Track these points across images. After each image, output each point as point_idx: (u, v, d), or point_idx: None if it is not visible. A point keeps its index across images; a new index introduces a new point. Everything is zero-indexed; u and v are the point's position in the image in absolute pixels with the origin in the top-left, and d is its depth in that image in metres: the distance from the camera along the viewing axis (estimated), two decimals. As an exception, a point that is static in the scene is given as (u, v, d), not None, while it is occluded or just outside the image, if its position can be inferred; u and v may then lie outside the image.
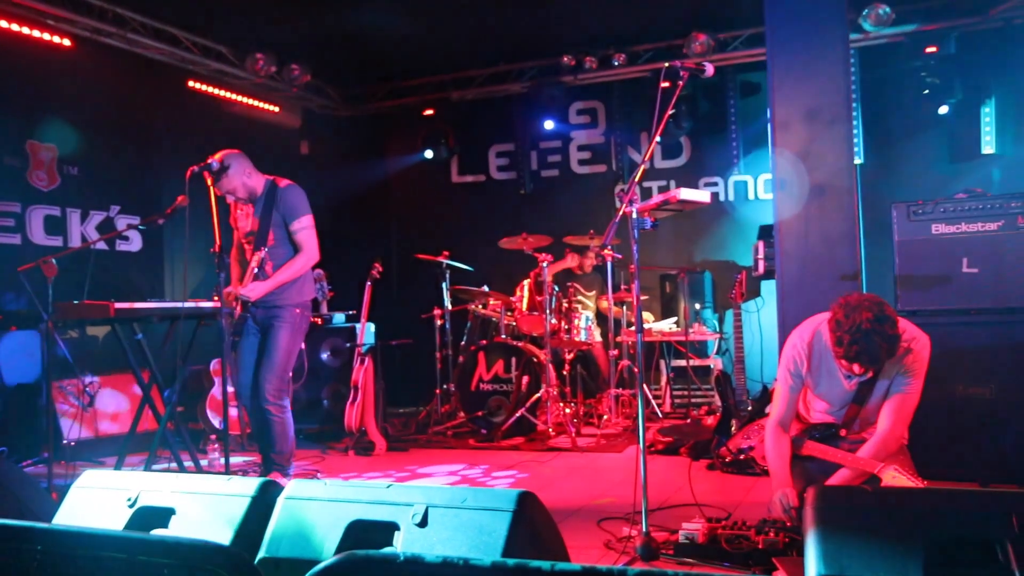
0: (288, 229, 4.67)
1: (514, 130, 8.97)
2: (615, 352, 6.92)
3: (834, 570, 2.05)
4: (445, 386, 7.05)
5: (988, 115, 7.16)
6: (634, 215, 3.47)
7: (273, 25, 7.40)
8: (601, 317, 7.62)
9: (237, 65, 7.79)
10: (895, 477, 3.10)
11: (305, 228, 4.68)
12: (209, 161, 4.51)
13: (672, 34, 7.78)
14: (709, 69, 3.59)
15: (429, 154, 9.14)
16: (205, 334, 5.50)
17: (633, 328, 3.73)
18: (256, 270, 4.52)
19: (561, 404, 6.48)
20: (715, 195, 8.27)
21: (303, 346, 4.88)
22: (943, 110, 7.27)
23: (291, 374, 4.83)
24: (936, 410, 3.53)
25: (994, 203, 4.49)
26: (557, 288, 6.70)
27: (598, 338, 7.31)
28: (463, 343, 7.48)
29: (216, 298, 4.60)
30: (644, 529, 3.33)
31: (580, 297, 7.56)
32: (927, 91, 7.13)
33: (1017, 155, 7.13)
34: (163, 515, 2.52)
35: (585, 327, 6.76)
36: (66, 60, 6.57)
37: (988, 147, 7.18)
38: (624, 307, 7.44)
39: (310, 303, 4.84)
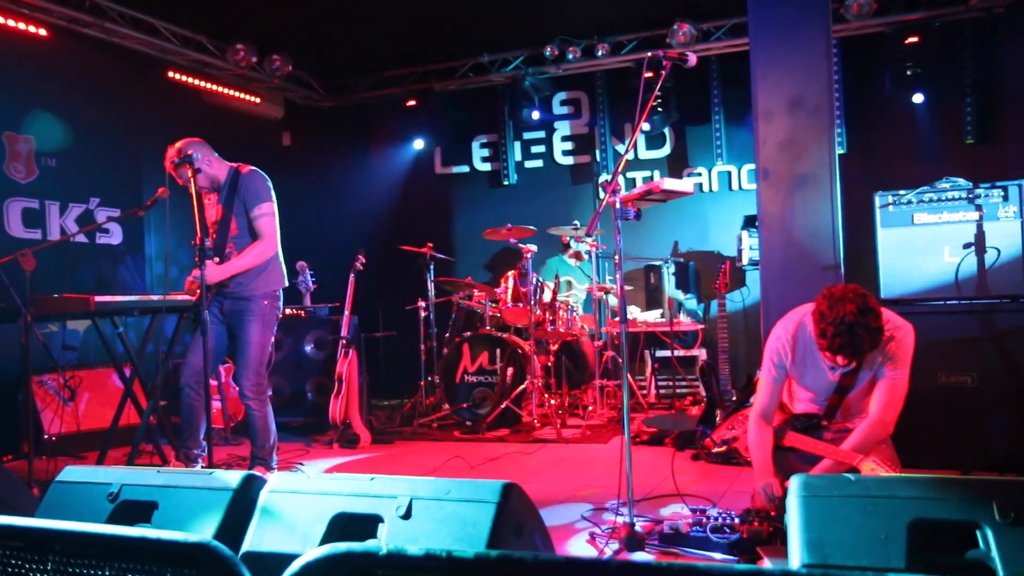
0: (249, 216, 4.58)
1: (497, 121, 8.95)
2: (600, 343, 6.93)
3: (818, 558, 2.05)
4: (430, 378, 7.03)
5: (970, 105, 7.21)
6: (617, 205, 3.47)
7: (254, 15, 7.33)
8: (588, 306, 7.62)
9: (217, 55, 7.72)
10: (874, 469, 3.12)
11: (265, 215, 4.57)
12: (169, 149, 4.47)
13: (655, 24, 7.77)
14: (692, 59, 3.59)
15: (419, 144, 9.13)
16: (187, 327, 5.47)
17: (618, 319, 3.74)
18: (218, 260, 4.48)
19: (546, 395, 6.48)
20: (698, 185, 8.28)
21: (273, 338, 4.80)
22: (917, 99, 7.32)
23: (267, 368, 4.76)
24: (918, 398, 3.55)
25: (975, 193, 4.53)
26: (541, 279, 6.69)
27: (586, 329, 7.31)
28: (447, 335, 7.47)
29: (186, 291, 4.56)
30: (629, 519, 3.34)
31: (575, 290, 7.55)
32: (908, 73, 7.15)
33: (998, 145, 7.18)
34: (145, 509, 2.50)
35: (569, 318, 6.75)
36: (43, 50, 6.49)
37: (970, 137, 7.23)
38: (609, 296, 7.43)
39: (279, 293, 4.73)
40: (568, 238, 7.66)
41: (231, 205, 4.57)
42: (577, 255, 7.76)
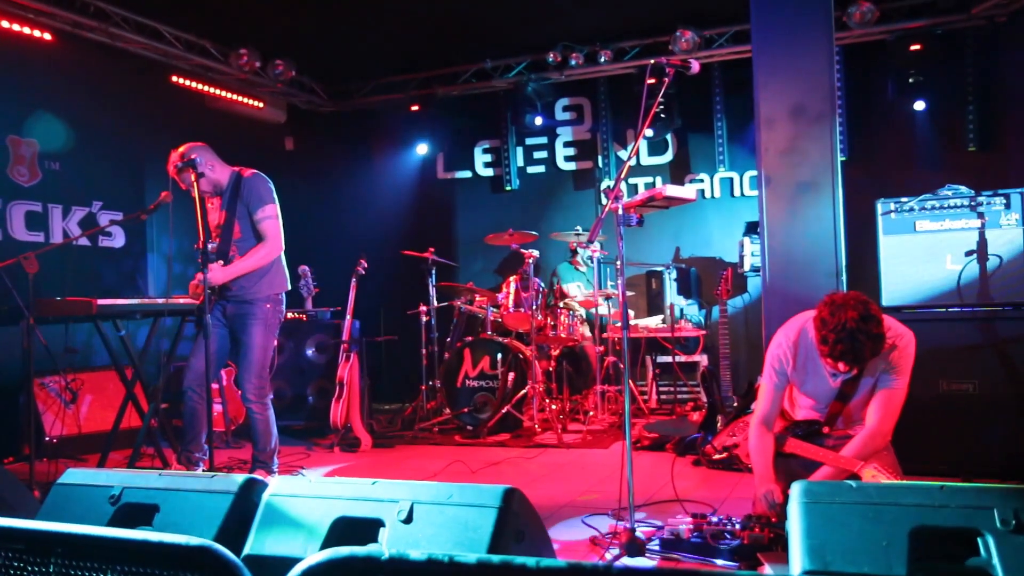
0: (251, 219, 4.59)
1: (500, 126, 8.97)
2: (601, 348, 6.93)
3: (819, 565, 2.05)
4: (431, 382, 7.03)
5: (971, 113, 7.21)
6: (620, 212, 3.48)
7: (258, 20, 7.35)
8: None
9: (221, 60, 7.74)
10: (874, 476, 3.12)
11: (268, 218, 4.58)
12: (173, 154, 4.48)
13: (658, 31, 7.79)
14: (695, 66, 3.59)
15: (422, 149, 9.14)
16: (189, 331, 5.47)
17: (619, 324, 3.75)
18: (222, 263, 4.48)
19: (547, 400, 6.48)
20: (700, 192, 8.29)
21: (276, 342, 4.81)
22: (919, 106, 7.33)
23: (270, 371, 4.77)
24: (919, 405, 3.56)
25: (978, 201, 4.53)
26: (543, 285, 6.70)
27: (588, 334, 7.31)
28: (449, 339, 7.47)
29: (190, 294, 4.57)
30: (630, 525, 3.34)
31: (582, 294, 7.56)
32: (910, 81, 7.17)
33: (1000, 153, 7.18)
34: (147, 512, 2.50)
35: (571, 323, 6.76)
36: (47, 54, 6.51)
37: (972, 145, 7.23)
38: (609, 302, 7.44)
39: (282, 296, 4.73)
40: (575, 244, 7.68)
41: (234, 209, 4.58)
42: (576, 262, 7.79)
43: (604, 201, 8.18)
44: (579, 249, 7.79)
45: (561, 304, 6.81)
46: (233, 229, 4.58)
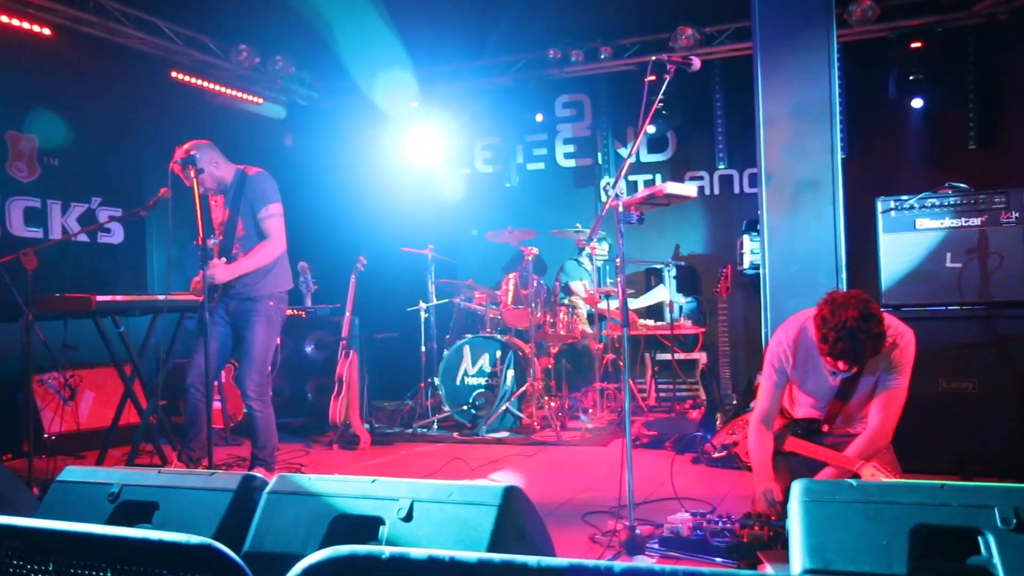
0: (255, 217, 4.60)
1: (499, 123, 8.95)
2: (600, 346, 6.93)
3: (819, 564, 2.05)
4: (430, 379, 7.03)
5: (972, 111, 7.21)
6: (620, 209, 3.47)
7: (257, 16, 7.33)
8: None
9: (221, 56, 7.72)
10: (874, 475, 3.12)
11: (272, 216, 4.60)
12: (177, 151, 4.48)
13: (658, 28, 7.77)
14: (696, 63, 3.58)
15: (421, 146, 9.11)
16: (189, 327, 5.46)
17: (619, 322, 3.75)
18: (225, 261, 4.48)
19: (546, 398, 6.48)
20: (700, 189, 8.28)
21: (278, 340, 4.81)
22: (920, 104, 7.32)
23: (273, 369, 4.77)
24: (919, 404, 3.55)
25: (978, 199, 4.53)
26: (543, 281, 6.70)
27: (590, 331, 7.30)
28: (448, 336, 7.46)
29: (192, 291, 4.56)
30: (630, 523, 3.34)
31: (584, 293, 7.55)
32: (911, 79, 7.17)
33: (1001, 151, 7.18)
34: (146, 510, 2.49)
35: (570, 320, 6.75)
36: (47, 49, 6.49)
37: (972, 143, 7.22)
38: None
39: (285, 294, 4.75)
40: (585, 241, 7.68)
41: (237, 207, 4.59)
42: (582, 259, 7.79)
43: (604, 198, 8.19)
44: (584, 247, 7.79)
45: (566, 301, 6.80)
46: (236, 227, 4.59)
